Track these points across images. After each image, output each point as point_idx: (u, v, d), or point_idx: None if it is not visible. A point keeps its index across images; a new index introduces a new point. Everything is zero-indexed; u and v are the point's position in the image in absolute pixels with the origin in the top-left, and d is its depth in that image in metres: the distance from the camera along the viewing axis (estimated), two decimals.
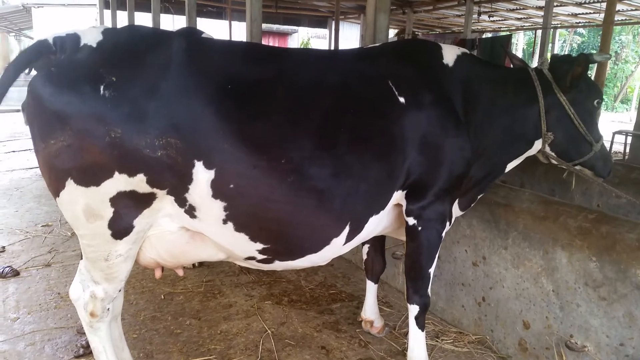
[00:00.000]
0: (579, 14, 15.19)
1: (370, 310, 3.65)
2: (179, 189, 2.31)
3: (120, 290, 2.64)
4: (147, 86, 2.19)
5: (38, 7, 21.89)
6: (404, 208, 2.87)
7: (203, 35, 2.50)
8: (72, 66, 2.19)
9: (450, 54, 3.00)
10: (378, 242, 3.59)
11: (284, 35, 25.33)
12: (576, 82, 2.93)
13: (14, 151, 10.50)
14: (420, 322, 3.08)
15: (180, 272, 2.87)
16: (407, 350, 3.16)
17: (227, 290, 4.23)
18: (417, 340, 3.10)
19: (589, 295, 2.82)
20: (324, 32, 22.43)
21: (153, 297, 4.04)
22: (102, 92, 2.13)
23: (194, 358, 3.22)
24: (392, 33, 19.45)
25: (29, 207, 6.32)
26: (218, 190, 2.31)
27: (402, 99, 2.71)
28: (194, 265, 4.62)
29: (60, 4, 21.51)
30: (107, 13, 14.47)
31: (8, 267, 4.35)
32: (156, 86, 2.19)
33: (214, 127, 2.25)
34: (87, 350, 3.09)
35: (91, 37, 2.27)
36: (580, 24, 18.04)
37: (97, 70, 2.17)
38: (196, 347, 3.36)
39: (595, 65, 9.62)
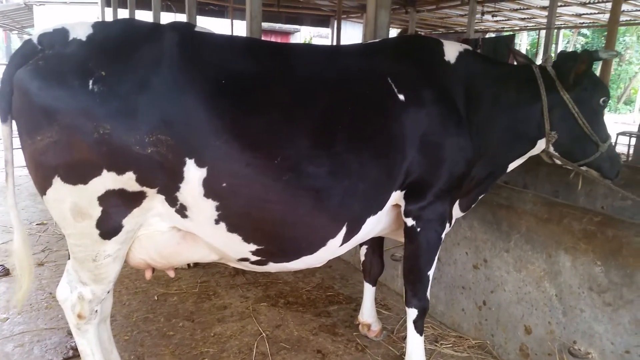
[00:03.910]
0: (583, 14, 15.10)
1: (367, 313, 3.56)
2: (169, 187, 2.24)
3: (108, 292, 2.56)
4: (137, 81, 2.12)
5: (40, 4, 21.85)
6: (402, 208, 2.79)
7: (196, 29, 2.42)
8: (60, 60, 2.11)
9: (452, 50, 2.92)
10: (376, 244, 3.51)
11: (286, 34, 25.23)
12: (579, 80, 2.83)
13: None
14: (419, 326, 2.99)
15: (172, 274, 2.79)
16: (405, 355, 3.08)
17: (222, 291, 4.15)
18: (415, 345, 3.02)
19: (594, 301, 2.74)
20: (326, 31, 22.37)
21: (146, 297, 3.97)
22: (91, 86, 2.06)
23: None
24: (395, 33, 19.36)
25: (24, 205, 6.24)
26: (210, 189, 2.24)
27: (401, 96, 2.63)
28: (188, 265, 4.54)
29: (61, 2, 21.48)
30: (109, 11, 14.44)
31: (0, 266, 4.28)
32: (147, 81, 2.13)
33: (206, 123, 2.18)
34: (77, 352, 2.99)
35: (81, 31, 2.19)
36: (584, 25, 17.93)
37: (86, 64, 2.10)
38: (188, 349, 3.28)
39: (600, 65, 9.54)
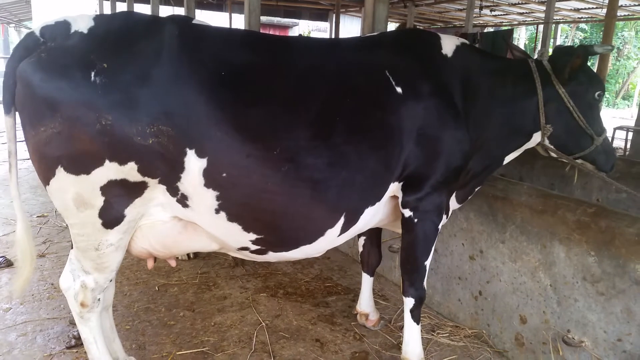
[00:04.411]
0: (582, 8, 15.10)
1: (365, 303, 3.61)
2: (170, 177, 2.27)
3: (111, 281, 2.60)
4: (138, 73, 2.15)
5: None
6: (400, 200, 2.83)
7: (194, 22, 2.45)
8: (62, 52, 2.14)
9: (449, 44, 2.95)
10: (374, 235, 3.55)
11: (284, 28, 25.22)
12: (575, 74, 2.87)
13: None
14: (416, 315, 3.04)
15: (173, 263, 2.83)
16: (402, 344, 3.13)
17: (222, 282, 4.20)
18: (412, 334, 3.06)
19: (587, 290, 2.79)
20: (324, 25, 22.33)
21: (147, 288, 4.01)
22: (93, 78, 2.09)
23: (187, 350, 3.19)
24: (393, 27, 19.33)
25: (24, 197, 6.26)
26: (210, 179, 2.27)
27: (399, 89, 2.66)
28: (189, 256, 4.59)
29: None
30: (107, 4, 14.41)
31: (2, 257, 4.32)
32: (148, 73, 2.16)
33: (206, 114, 2.22)
34: (79, 341, 3.05)
35: (82, 24, 2.22)
36: (582, 19, 17.94)
37: (88, 56, 2.13)
38: (189, 338, 3.33)
39: (597, 60, 9.58)
